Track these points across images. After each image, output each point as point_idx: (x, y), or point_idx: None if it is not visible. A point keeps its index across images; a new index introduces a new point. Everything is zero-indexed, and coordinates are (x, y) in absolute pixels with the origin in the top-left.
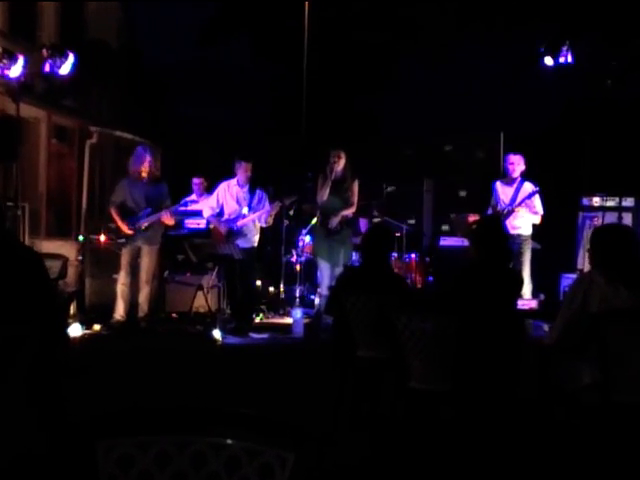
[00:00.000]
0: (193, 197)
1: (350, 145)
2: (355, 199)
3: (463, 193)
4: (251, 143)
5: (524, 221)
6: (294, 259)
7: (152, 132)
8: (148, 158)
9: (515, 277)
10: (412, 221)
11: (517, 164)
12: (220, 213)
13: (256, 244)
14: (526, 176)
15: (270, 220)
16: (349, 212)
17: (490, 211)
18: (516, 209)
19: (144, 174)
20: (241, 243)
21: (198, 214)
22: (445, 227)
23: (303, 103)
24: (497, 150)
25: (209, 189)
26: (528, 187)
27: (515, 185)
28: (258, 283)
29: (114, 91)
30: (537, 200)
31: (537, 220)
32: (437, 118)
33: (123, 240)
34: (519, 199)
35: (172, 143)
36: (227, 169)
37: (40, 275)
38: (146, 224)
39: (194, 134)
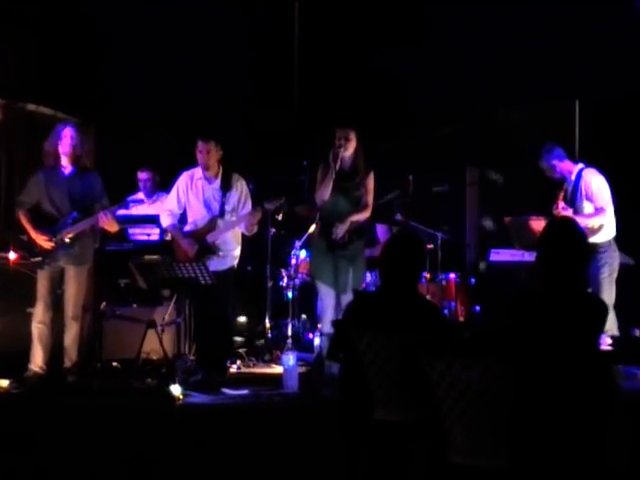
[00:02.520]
0: (140, 196)
1: (363, 122)
2: (370, 198)
3: (523, 187)
4: (222, 119)
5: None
6: (284, 283)
7: (81, 106)
8: (72, 139)
9: (597, 305)
10: (450, 227)
11: None
12: (181, 219)
13: (236, 262)
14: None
15: (254, 228)
16: (362, 217)
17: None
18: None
19: (66, 162)
20: (215, 264)
21: (149, 220)
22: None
23: (295, 62)
24: (571, 125)
25: (163, 186)
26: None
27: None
28: (240, 319)
29: (25, 50)
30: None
31: (599, 221)
32: (484, 82)
33: (39, 259)
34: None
35: (110, 121)
36: (188, 158)
37: None
38: (72, 234)
39: (141, 108)
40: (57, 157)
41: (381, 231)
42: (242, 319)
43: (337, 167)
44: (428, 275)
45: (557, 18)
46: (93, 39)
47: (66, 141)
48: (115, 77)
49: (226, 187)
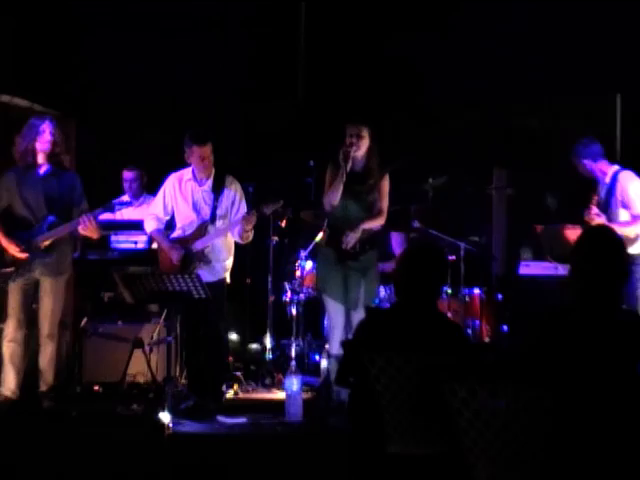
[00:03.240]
0: (125, 198)
1: (377, 117)
2: (385, 204)
3: (557, 192)
4: (216, 114)
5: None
6: (288, 297)
7: (60, 97)
8: (51, 135)
9: (638, 325)
10: (475, 237)
11: None
12: (170, 225)
13: (228, 274)
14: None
15: (249, 235)
16: (375, 224)
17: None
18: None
19: (41, 160)
20: (205, 274)
21: (135, 225)
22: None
23: (300, 49)
24: (611, 121)
25: (151, 188)
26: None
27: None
28: (232, 337)
29: None
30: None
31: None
32: (514, 74)
33: (10, 269)
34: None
35: (92, 114)
36: (179, 156)
37: None
38: (48, 241)
39: (127, 101)
40: (33, 154)
41: (396, 240)
42: (236, 337)
43: (348, 168)
44: (449, 290)
45: (595, 3)
46: (73, 22)
47: (45, 137)
48: (98, 65)
49: (218, 189)
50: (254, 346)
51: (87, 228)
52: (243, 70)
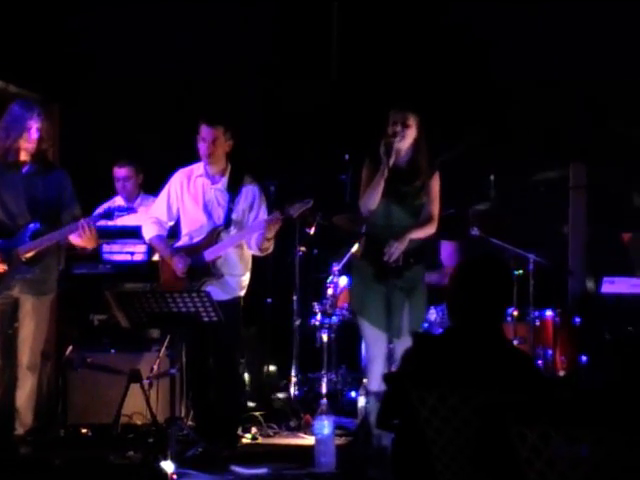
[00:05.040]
0: (118, 201)
1: (427, 102)
2: (435, 208)
3: None
4: (234, 98)
5: None
6: (318, 321)
7: (41, 77)
8: (35, 132)
9: None
10: (547, 247)
11: None
12: (174, 233)
13: (243, 292)
14: None
15: (269, 244)
16: (425, 233)
17: None
18: None
19: (24, 157)
20: (216, 291)
21: (131, 233)
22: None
23: (333, 19)
24: None
25: (151, 187)
26: None
27: None
28: (248, 369)
29: None
30: None
31: None
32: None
33: None
34: None
35: (79, 98)
36: (185, 150)
37: None
38: (31, 253)
39: (122, 81)
40: (15, 152)
41: (447, 250)
42: (254, 370)
43: (391, 163)
44: (516, 312)
45: None
46: None
47: (32, 135)
48: (86, 38)
49: (235, 189)
50: (276, 380)
51: (84, 236)
52: (266, 44)
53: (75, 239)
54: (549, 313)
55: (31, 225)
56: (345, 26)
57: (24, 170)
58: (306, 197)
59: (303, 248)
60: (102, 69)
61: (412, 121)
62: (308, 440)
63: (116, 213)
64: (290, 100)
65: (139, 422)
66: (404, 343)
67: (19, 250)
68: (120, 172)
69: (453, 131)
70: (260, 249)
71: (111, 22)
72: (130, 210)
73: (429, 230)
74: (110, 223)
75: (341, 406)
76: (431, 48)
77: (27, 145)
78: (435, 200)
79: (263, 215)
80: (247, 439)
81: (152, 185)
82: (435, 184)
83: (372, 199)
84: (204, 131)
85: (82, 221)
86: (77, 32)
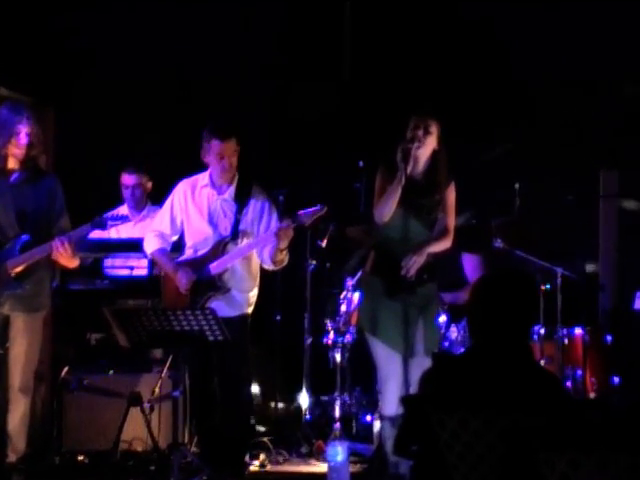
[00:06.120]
0: (123, 210)
1: (447, 105)
2: (452, 221)
3: None
4: (240, 100)
5: None
6: (330, 340)
7: (34, 78)
8: (25, 137)
9: None
10: (577, 261)
11: None
12: (177, 247)
13: (251, 309)
14: None
15: (284, 256)
16: (441, 247)
17: None
18: None
19: (13, 164)
20: (222, 307)
21: (132, 246)
22: None
23: (346, 16)
24: None
25: (157, 197)
26: None
27: None
28: (256, 391)
29: None
30: None
31: None
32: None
33: None
34: None
35: (76, 100)
36: (190, 158)
37: None
38: (20, 267)
39: (123, 83)
40: (3, 159)
41: (470, 264)
42: (262, 392)
43: (408, 171)
44: (542, 330)
45: None
46: None
47: (21, 140)
48: (83, 37)
49: (243, 199)
50: (286, 404)
51: (61, 254)
52: (272, 41)
53: (55, 256)
54: (578, 331)
55: (21, 238)
56: (358, 22)
57: (12, 178)
58: (316, 202)
59: (314, 261)
60: (100, 70)
61: (434, 128)
62: (320, 467)
63: (109, 222)
64: (299, 102)
65: (139, 448)
66: (419, 363)
67: (8, 264)
68: (129, 179)
69: (476, 135)
70: (274, 262)
71: (110, 20)
72: (124, 219)
73: (445, 244)
74: (113, 237)
75: (356, 431)
76: (449, 46)
77: (16, 151)
78: (451, 212)
79: (274, 225)
80: (255, 467)
81: (153, 194)
82: (451, 195)
83: (387, 207)
84: (221, 147)
85: (56, 240)
86: (73, 32)
